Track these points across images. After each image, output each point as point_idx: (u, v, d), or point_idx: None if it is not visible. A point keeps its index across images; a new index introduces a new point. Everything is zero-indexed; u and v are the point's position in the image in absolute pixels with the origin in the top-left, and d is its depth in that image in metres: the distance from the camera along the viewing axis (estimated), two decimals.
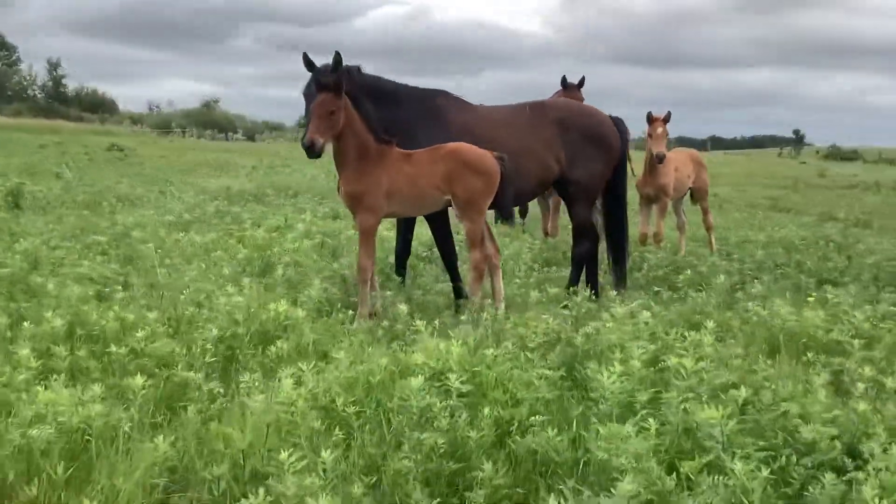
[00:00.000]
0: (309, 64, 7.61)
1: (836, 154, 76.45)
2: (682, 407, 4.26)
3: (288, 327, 6.17)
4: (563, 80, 12.73)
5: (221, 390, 5.11)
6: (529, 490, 3.88)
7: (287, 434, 4.17)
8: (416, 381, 4.19)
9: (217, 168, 28.38)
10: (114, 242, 10.18)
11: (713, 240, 12.33)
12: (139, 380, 4.52)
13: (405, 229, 8.43)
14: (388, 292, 7.87)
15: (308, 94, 7.69)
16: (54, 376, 4.87)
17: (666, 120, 11.22)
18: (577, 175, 8.24)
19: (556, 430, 4.07)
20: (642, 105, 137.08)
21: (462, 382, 4.46)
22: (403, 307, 6.67)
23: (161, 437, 4.00)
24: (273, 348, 5.57)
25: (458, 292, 8.06)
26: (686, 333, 5.74)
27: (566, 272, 9.09)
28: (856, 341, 5.78)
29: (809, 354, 5.70)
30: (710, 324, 5.84)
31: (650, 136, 11.52)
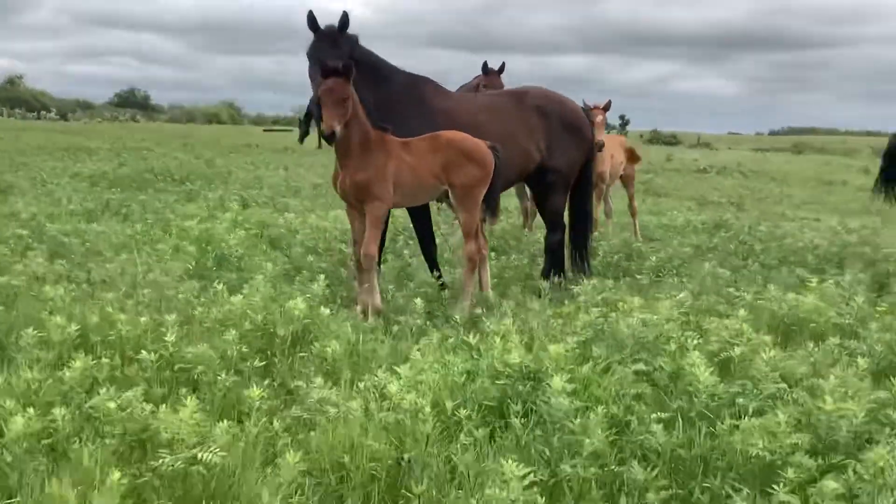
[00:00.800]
0: (313, 24, 7.27)
1: (659, 138, 79.62)
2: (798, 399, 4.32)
3: (311, 326, 5.85)
4: (484, 65, 12.69)
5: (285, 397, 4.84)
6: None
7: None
8: (557, 383, 4.05)
9: (67, 151, 26.45)
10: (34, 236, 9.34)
11: (637, 225, 12.64)
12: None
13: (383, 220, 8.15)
14: (391, 286, 7.59)
15: (310, 56, 7.34)
16: (103, 387, 4.40)
17: (606, 108, 11.38)
18: (555, 163, 8.24)
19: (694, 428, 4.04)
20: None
21: (568, 382, 4.34)
22: (419, 301, 6.47)
23: (289, 452, 3.70)
24: (327, 350, 5.23)
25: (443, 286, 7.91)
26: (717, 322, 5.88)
27: (514, 260, 9.11)
28: (873, 324, 6.06)
29: (832, 339, 5.83)
30: (742, 312, 6.00)
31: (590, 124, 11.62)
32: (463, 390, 4.52)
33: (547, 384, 4.27)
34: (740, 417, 4.11)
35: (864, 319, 6.40)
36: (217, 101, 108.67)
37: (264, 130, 49.40)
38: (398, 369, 4.58)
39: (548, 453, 3.89)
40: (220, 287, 6.50)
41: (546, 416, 4.05)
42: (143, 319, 5.64)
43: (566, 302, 6.85)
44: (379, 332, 6.01)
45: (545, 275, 8.32)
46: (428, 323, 6.36)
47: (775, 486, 3.47)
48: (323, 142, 16.16)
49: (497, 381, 4.55)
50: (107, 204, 12.89)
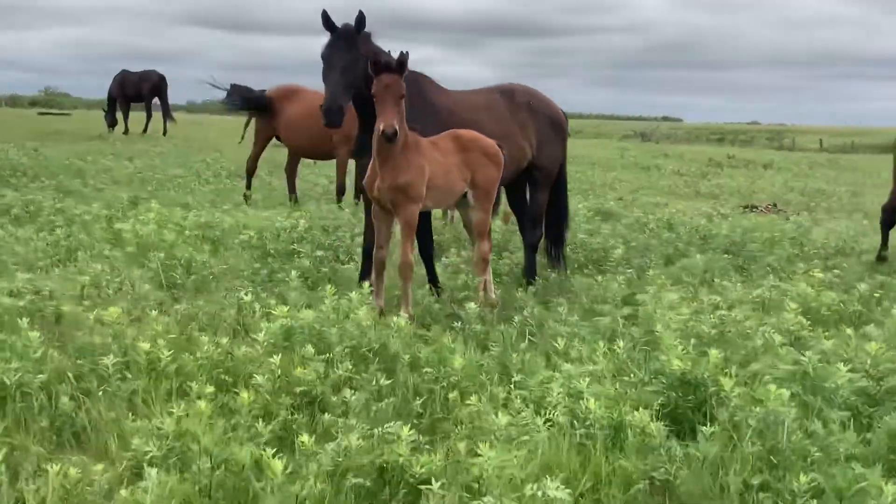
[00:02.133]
0: (328, 24, 6.94)
1: None
2: None
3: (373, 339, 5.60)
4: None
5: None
6: None
7: None
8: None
9: None
10: None
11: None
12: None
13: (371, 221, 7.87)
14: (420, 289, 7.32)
15: (325, 57, 7.05)
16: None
17: None
18: (543, 160, 8.31)
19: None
20: (219, 69, 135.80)
21: None
22: (473, 305, 6.35)
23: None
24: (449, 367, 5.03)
25: (435, 284, 7.79)
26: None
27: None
28: (895, 310, 6.59)
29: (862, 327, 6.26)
30: (793, 304, 6.35)
31: None
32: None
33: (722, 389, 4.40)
34: None
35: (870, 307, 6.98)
36: None
37: (39, 114, 45.87)
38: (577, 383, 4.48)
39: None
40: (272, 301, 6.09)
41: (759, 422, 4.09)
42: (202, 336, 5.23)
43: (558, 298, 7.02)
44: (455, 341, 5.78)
45: (530, 273, 8.35)
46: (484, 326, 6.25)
47: None
48: (246, 132, 15.31)
49: (663, 389, 4.60)
50: None
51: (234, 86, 14.17)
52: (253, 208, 12.22)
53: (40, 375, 4.68)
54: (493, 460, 3.41)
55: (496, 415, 3.88)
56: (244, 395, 4.27)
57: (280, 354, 5.07)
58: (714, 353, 4.65)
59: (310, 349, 5.15)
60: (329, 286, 6.12)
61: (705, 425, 4.14)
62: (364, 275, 7.55)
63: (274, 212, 11.59)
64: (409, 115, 7.30)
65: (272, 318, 5.72)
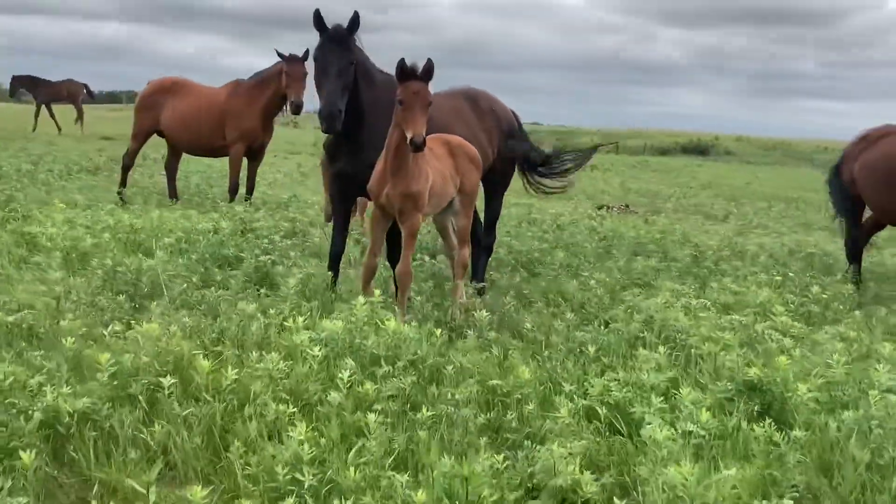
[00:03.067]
0: (320, 23, 6.71)
1: None
2: None
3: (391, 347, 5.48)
4: (280, 54, 12.28)
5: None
6: None
7: None
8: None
9: None
10: None
11: None
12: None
13: (343, 225, 7.68)
14: (418, 297, 7.15)
15: (318, 59, 6.86)
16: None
17: None
18: (502, 166, 8.39)
19: None
20: None
21: None
22: (484, 313, 6.34)
23: None
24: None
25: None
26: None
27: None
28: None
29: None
30: (780, 307, 6.78)
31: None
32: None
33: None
34: None
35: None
36: None
37: None
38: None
39: None
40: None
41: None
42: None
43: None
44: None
45: (480, 277, 8.39)
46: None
47: None
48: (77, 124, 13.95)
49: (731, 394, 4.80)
50: None
51: (15, 77, 13.23)
52: (155, 208, 11.45)
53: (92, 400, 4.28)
54: (705, 479, 3.37)
55: (657, 429, 3.86)
56: (370, 417, 4.08)
57: (324, 370, 4.94)
58: (783, 359, 4.90)
59: (350, 362, 5.00)
60: (360, 297, 5.92)
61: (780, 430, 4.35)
62: (335, 280, 7.38)
63: (179, 213, 10.93)
64: (389, 117, 7.20)
65: (295, 330, 5.49)
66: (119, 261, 7.57)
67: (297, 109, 12.17)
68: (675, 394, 4.56)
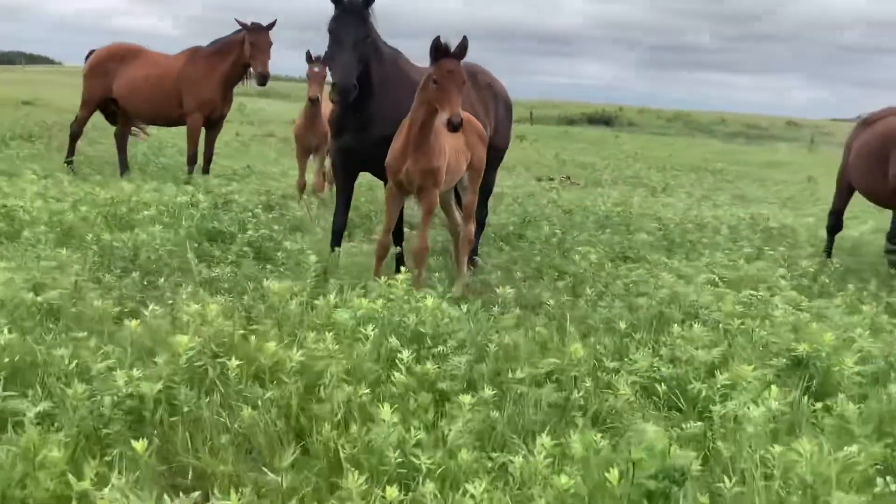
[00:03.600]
0: None
1: None
2: None
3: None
4: (241, 23, 12.01)
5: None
6: None
7: None
8: None
9: None
10: None
11: None
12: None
13: (346, 201, 7.59)
14: (434, 273, 7.09)
15: (333, 31, 6.81)
16: None
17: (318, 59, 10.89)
18: (498, 141, 8.42)
19: None
20: None
21: None
22: (508, 289, 6.38)
23: None
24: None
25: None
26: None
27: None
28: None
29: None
30: (783, 281, 7.03)
31: (308, 77, 11.17)
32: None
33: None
34: None
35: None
36: None
37: None
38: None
39: None
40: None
41: None
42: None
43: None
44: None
45: (473, 251, 8.46)
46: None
47: None
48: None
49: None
50: None
51: None
52: (117, 180, 11.07)
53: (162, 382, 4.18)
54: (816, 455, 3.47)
55: (749, 406, 3.96)
56: (463, 399, 4.09)
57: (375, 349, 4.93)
58: (828, 335, 5.08)
59: (395, 341, 5.00)
60: (401, 271, 5.90)
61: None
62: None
63: (150, 185, 10.60)
64: (398, 95, 7.15)
65: (336, 308, 5.46)
66: (115, 236, 7.33)
67: (263, 80, 11.90)
68: (720, 371, 4.67)
